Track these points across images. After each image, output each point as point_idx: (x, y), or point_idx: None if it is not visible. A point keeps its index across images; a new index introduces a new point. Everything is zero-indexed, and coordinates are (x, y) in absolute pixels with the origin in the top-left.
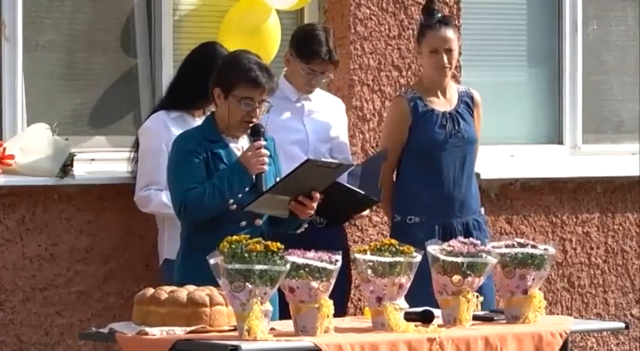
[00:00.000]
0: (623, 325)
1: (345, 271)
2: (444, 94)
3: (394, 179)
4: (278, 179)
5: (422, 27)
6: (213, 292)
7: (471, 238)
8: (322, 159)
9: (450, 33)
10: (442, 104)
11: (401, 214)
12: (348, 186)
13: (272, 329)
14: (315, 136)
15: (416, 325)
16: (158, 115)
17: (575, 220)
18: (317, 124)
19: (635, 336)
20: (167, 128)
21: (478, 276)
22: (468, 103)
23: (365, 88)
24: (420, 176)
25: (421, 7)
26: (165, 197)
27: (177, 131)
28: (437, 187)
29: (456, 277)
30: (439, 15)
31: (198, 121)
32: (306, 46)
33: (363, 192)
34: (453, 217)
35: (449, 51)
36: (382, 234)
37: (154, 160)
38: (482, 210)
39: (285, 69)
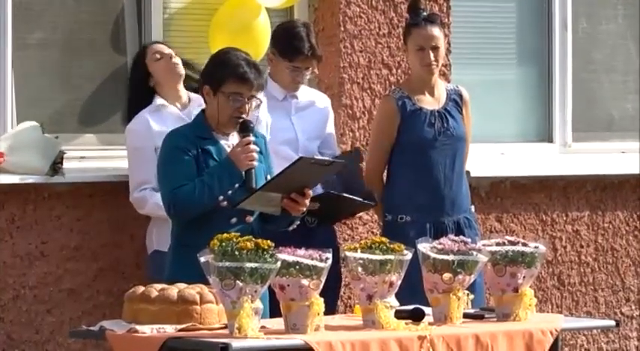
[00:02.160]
0: (613, 322)
1: (335, 270)
2: (432, 93)
3: (384, 179)
4: (269, 177)
5: (408, 25)
6: (203, 290)
7: (461, 236)
8: (315, 156)
9: (435, 30)
10: (430, 103)
11: (392, 213)
12: (346, 195)
13: (262, 327)
14: (304, 134)
15: (406, 323)
16: (139, 115)
17: (565, 218)
18: (305, 122)
19: (625, 334)
20: (148, 126)
21: (469, 274)
22: (456, 100)
23: (355, 87)
24: (411, 175)
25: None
26: (159, 199)
27: (158, 125)
28: (427, 186)
29: (447, 275)
30: (425, 13)
31: (176, 110)
32: (288, 43)
33: (360, 199)
34: (444, 216)
35: (435, 48)
36: (372, 232)
37: (139, 159)
38: (473, 208)
39: (269, 68)
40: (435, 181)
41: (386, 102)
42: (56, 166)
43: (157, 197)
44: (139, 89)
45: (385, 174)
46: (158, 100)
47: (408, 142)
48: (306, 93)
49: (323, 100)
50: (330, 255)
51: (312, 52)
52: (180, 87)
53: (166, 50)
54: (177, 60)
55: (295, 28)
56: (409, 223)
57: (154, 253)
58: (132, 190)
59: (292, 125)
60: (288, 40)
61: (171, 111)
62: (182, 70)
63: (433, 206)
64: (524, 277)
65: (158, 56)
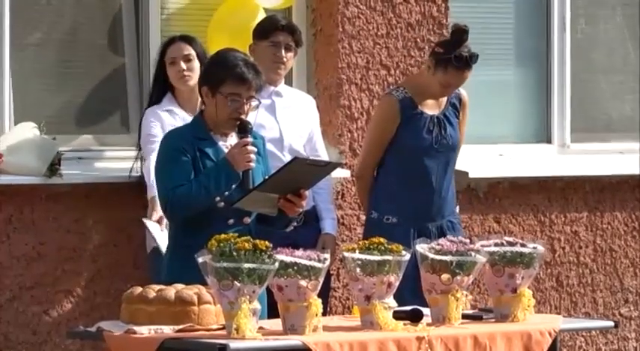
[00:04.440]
0: (612, 323)
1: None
2: (434, 97)
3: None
4: (266, 177)
5: (447, 60)
6: (201, 291)
7: (459, 237)
8: (310, 157)
9: (469, 73)
10: (432, 106)
11: (378, 211)
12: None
13: (260, 328)
14: (288, 132)
15: (405, 324)
16: (153, 110)
17: (563, 219)
18: (290, 121)
19: (623, 335)
20: (162, 120)
21: (467, 275)
22: (455, 104)
23: (353, 87)
24: (403, 178)
25: (444, 27)
26: None
27: (166, 124)
28: (418, 192)
29: (445, 276)
30: (468, 54)
31: (184, 114)
32: (264, 23)
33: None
34: (429, 221)
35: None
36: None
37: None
38: (457, 209)
39: None
40: (427, 188)
41: (388, 101)
42: (54, 167)
43: None
44: (159, 81)
45: (375, 171)
46: (166, 104)
47: (403, 146)
48: (291, 93)
49: (308, 101)
50: (328, 255)
51: (288, 24)
52: (193, 93)
53: (185, 51)
54: (189, 71)
55: (274, 15)
56: (394, 224)
57: (153, 251)
58: (149, 187)
59: (277, 124)
60: (263, 21)
61: (180, 115)
62: (192, 81)
63: (421, 212)
64: (522, 277)
65: (170, 61)
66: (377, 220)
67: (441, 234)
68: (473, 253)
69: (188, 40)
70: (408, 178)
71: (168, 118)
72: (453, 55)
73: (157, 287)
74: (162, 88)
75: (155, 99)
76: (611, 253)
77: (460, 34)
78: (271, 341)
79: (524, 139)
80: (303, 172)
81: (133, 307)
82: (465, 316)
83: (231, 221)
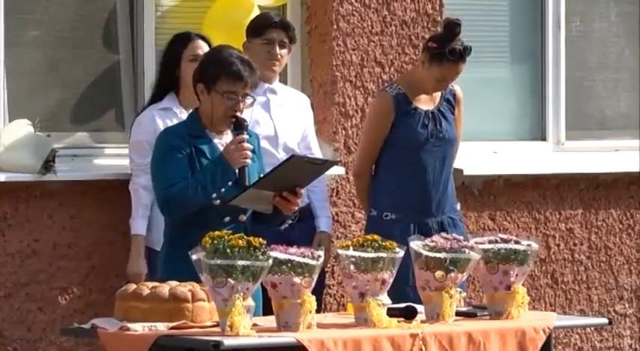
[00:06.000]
0: (606, 320)
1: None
2: (428, 92)
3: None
4: (262, 175)
5: (441, 54)
6: (195, 288)
7: (453, 234)
8: (307, 155)
9: (463, 66)
10: (426, 102)
11: (377, 209)
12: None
13: (254, 325)
14: (283, 130)
15: (399, 321)
16: (148, 109)
17: (558, 216)
18: (284, 118)
19: (618, 332)
20: (153, 121)
21: (461, 272)
22: (450, 100)
23: (347, 85)
24: (400, 174)
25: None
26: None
27: (162, 123)
28: (416, 187)
29: (439, 273)
30: (461, 47)
31: (182, 113)
32: (257, 20)
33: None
34: (428, 217)
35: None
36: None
37: (140, 154)
38: (459, 206)
39: None
40: (424, 183)
41: (382, 98)
42: (48, 165)
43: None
44: (167, 75)
45: (373, 169)
46: (166, 102)
47: (399, 142)
48: (286, 91)
49: (302, 99)
50: (322, 253)
51: (282, 21)
52: None
53: (205, 50)
54: None
55: (267, 13)
56: (394, 221)
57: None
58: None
59: (272, 121)
60: (257, 19)
61: (178, 114)
62: None
63: (419, 207)
64: (516, 274)
65: (191, 58)
66: (376, 217)
67: (442, 230)
68: (467, 250)
69: (205, 38)
70: (405, 174)
71: (163, 122)
72: (447, 48)
73: (150, 284)
74: (168, 85)
75: (159, 95)
76: (606, 250)
77: (453, 27)
78: (265, 338)
79: (519, 137)
80: (299, 170)
81: (126, 305)
82: (458, 314)
83: (227, 219)
